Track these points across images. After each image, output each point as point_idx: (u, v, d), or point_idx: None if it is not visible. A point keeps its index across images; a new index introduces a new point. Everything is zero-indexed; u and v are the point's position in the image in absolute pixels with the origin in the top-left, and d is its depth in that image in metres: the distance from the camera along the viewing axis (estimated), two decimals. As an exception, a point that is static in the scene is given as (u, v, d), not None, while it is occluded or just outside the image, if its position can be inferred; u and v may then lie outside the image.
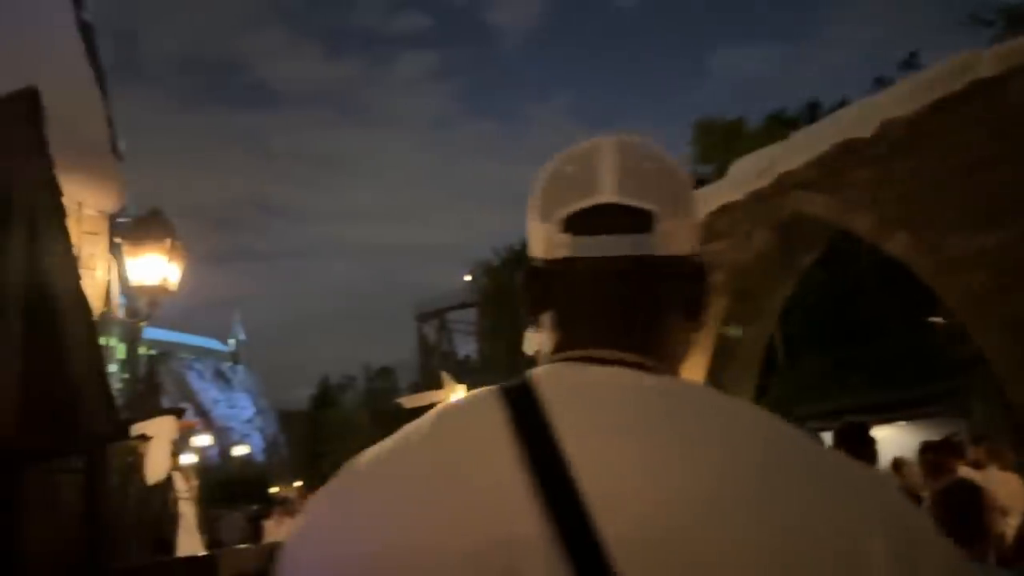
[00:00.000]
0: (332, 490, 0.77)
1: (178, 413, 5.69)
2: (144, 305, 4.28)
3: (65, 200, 3.53)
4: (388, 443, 0.78)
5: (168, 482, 5.20)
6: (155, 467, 5.16)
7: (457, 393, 13.81)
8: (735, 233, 10.83)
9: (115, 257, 3.89)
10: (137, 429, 5.41)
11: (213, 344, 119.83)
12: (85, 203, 3.56)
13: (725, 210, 10.87)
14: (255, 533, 15.28)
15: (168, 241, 4.10)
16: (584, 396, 0.72)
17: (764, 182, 10.53)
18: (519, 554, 0.64)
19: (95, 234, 3.60)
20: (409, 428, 0.78)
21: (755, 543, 0.62)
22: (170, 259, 4.13)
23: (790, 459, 0.68)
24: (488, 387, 0.77)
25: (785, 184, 10.37)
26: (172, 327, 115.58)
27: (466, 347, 57.71)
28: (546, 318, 0.84)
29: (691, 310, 0.83)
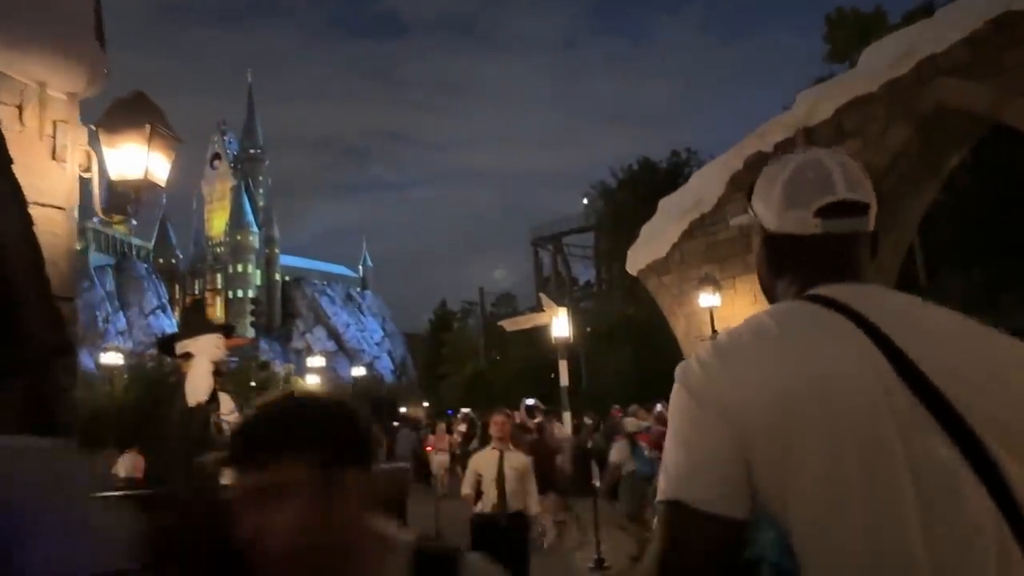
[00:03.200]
0: (730, 348, 1.17)
1: (225, 330, 5.30)
2: (126, 203, 3.74)
3: (22, 77, 3.02)
4: (753, 326, 1.19)
5: (212, 404, 4.84)
6: (195, 388, 4.80)
7: (558, 315, 13.19)
8: (868, 131, 9.47)
9: (94, 149, 3.41)
10: (180, 347, 5.08)
11: (343, 270, 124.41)
12: (49, 83, 3.06)
13: (856, 104, 9.50)
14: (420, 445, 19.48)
15: (147, 127, 3.54)
16: (864, 299, 1.16)
17: (902, 69, 9.08)
18: (886, 388, 1.07)
19: (65, 122, 3.12)
20: (758, 319, 1.20)
21: (993, 370, 1.09)
22: (151, 148, 3.58)
23: (981, 329, 1.17)
24: (792, 302, 1.22)
25: (927, 71, 8.91)
26: (305, 254, 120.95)
27: (586, 272, 57.02)
28: (782, 267, 1.30)
29: (875, 251, 1.29)
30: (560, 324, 13.17)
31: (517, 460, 6.32)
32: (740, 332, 1.17)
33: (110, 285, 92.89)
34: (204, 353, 4.93)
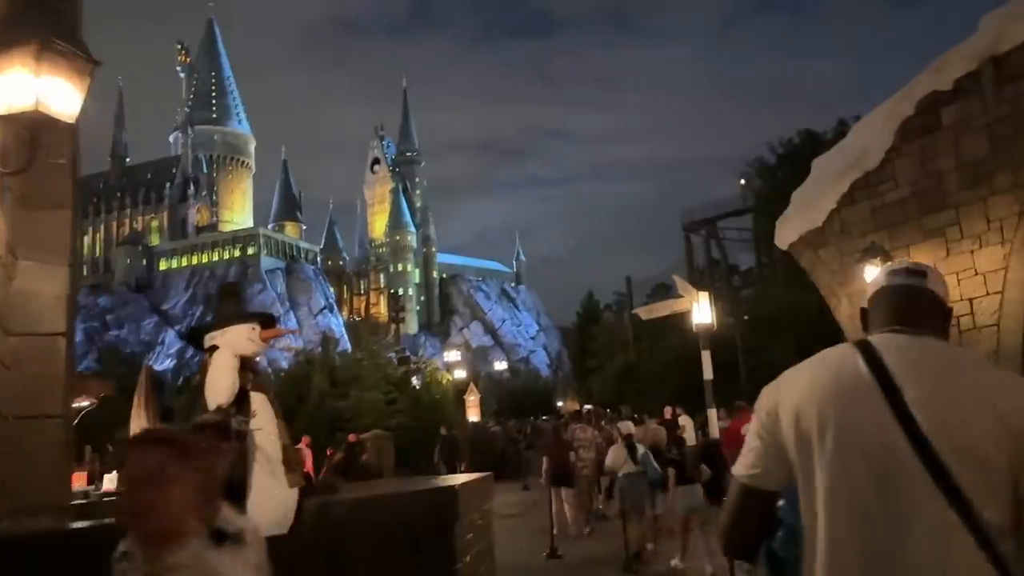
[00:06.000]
0: (784, 377, 1.77)
1: (263, 320, 4.48)
2: (13, 144, 2.87)
3: None
4: (803, 364, 1.77)
5: (241, 406, 4.04)
6: (216, 387, 4.01)
7: (698, 301, 11.76)
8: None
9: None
10: (208, 340, 4.31)
11: (497, 266, 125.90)
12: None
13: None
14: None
15: (35, 43, 2.64)
16: (893, 344, 1.65)
17: None
18: (884, 429, 1.54)
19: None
20: (819, 356, 1.75)
21: (990, 436, 1.49)
22: (42, 69, 2.69)
23: (993, 380, 1.60)
24: (838, 346, 1.75)
25: None
26: (461, 253, 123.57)
27: (747, 258, 53.95)
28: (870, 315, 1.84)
29: (946, 317, 1.81)
30: (701, 310, 11.73)
31: None
32: (795, 367, 1.77)
33: (280, 287, 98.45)
34: (230, 347, 4.16)
